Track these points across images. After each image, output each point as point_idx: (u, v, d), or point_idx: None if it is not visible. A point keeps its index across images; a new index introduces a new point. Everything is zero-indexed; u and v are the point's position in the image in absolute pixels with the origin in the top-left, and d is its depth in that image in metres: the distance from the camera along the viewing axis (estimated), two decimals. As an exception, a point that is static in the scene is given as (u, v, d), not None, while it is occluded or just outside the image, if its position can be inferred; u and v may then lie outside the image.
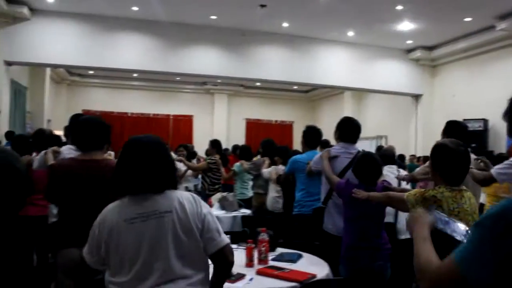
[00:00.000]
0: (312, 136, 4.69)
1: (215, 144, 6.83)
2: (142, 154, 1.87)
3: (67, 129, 4.08)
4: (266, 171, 5.70)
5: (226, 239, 1.89)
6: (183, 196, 1.89)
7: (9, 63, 8.39)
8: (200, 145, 8.18)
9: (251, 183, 6.43)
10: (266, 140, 6.52)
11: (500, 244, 0.98)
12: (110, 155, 5.55)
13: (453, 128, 3.53)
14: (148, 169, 1.85)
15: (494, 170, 3.14)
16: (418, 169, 4.35)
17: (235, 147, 8.68)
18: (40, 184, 3.75)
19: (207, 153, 7.05)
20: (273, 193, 5.61)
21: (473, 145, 8.72)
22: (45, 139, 4.49)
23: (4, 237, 2.89)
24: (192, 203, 1.87)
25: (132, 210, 1.82)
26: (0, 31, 8.16)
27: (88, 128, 2.65)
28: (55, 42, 8.54)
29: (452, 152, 2.25)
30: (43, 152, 4.04)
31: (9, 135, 7.28)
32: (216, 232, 1.87)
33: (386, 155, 4.91)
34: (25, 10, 8.13)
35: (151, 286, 1.75)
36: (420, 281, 1.24)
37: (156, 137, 2.01)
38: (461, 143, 2.32)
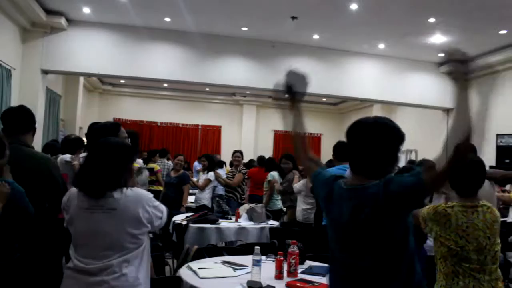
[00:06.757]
0: (343, 150, 4.67)
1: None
2: (97, 159, 2.15)
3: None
4: (297, 185, 5.73)
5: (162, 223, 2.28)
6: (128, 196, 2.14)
7: (45, 72, 8.64)
8: (228, 156, 8.28)
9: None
10: (287, 153, 6.83)
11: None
12: (138, 163, 5.65)
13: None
14: (99, 172, 2.12)
15: None
16: None
17: (260, 158, 8.60)
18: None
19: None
20: (303, 205, 5.61)
21: (507, 160, 8.50)
22: (69, 142, 4.69)
23: (45, 239, 2.96)
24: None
25: (88, 202, 2.11)
26: (39, 41, 8.44)
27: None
28: (89, 51, 8.76)
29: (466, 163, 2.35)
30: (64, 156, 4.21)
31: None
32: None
33: None
34: (62, 21, 8.38)
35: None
36: None
37: (114, 142, 2.25)
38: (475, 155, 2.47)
